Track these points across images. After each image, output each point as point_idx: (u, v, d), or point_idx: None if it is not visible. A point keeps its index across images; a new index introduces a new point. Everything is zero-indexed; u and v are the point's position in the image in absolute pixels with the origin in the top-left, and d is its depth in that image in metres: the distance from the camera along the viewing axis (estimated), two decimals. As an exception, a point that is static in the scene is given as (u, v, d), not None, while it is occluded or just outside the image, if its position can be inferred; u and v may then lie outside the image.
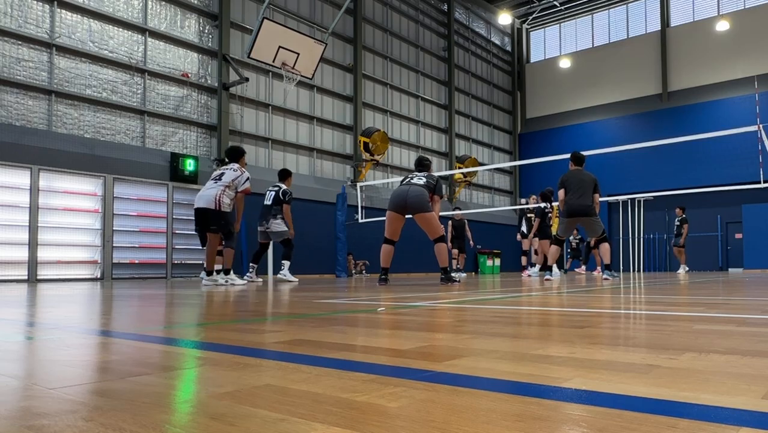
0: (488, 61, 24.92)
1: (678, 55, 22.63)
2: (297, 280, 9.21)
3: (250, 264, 9.07)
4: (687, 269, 14.93)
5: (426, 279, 10.10)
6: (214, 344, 1.62)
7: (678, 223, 14.89)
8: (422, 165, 6.95)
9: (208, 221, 6.84)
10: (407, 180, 6.61)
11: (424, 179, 6.60)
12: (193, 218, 7.14)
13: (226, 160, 7.41)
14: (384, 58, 19.25)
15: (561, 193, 8.19)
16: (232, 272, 7.35)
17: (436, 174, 9.07)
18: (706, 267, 21.00)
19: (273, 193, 8.94)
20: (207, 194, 6.80)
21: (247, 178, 7.01)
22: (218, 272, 7.33)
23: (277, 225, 8.80)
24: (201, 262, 13.26)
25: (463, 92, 23.14)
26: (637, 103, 23.30)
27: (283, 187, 8.90)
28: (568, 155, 11.76)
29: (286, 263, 9.04)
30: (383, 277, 6.80)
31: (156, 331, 2.08)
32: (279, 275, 9.13)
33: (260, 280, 9.08)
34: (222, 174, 6.92)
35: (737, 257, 20.54)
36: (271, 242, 9.39)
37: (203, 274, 7.50)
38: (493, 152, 24.78)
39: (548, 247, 11.76)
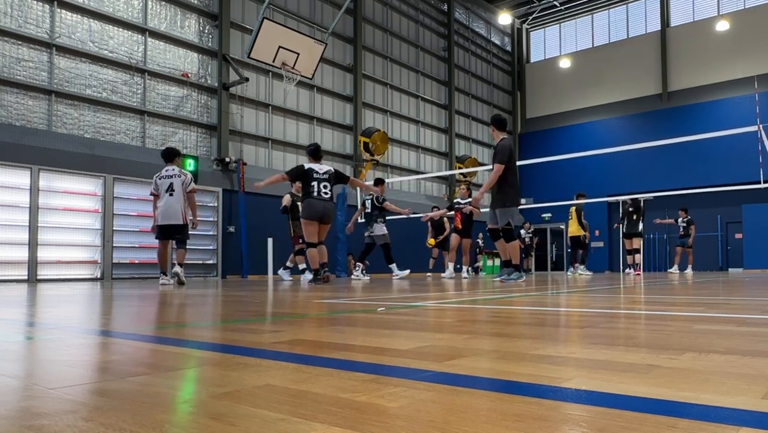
0: (488, 61, 24.92)
1: (678, 55, 22.63)
2: (407, 272, 10.43)
3: (357, 263, 10.19)
4: (679, 270, 14.85)
5: (423, 279, 10.10)
6: (214, 344, 1.63)
7: (684, 224, 14.92)
8: (320, 153, 7.51)
9: (173, 233, 7.39)
10: (319, 195, 7.13)
11: (331, 188, 7.26)
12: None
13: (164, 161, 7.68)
14: (384, 58, 19.25)
15: (500, 168, 6.89)
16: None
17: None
18: (706, 267, 21.01)
19: (370, 200, 10.28)
20: (174, 210, 7.25)
21: (192, 179, 7.47)
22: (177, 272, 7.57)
23: (379, 228, 10.07)
24: (200, 262, 13.28)
25: (463, 92, 23.14)
26: (637, 103, 23.30)
27: (376, 193, 10.19)
28: (568, 155, 11.74)
29: (393, 266, 10.33)
30: (327, 271, 7.28)
31: (156, 331, 2.08)
32: (394, 276, 10.32)
33: (368, 277, 10.15)
34: (171, 185, 7.27)
35: (737, 257, 20.54)
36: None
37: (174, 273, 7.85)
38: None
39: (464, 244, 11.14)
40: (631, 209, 13.18)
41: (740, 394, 0.90)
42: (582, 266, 13.54)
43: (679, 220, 15.11)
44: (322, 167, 7.30)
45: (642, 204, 13.15)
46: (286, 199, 9.28)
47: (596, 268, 20.73)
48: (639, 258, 12.87)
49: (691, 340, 1.56)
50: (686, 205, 15.56)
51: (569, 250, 14.44)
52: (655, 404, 0.85)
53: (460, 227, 10.74)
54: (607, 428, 0.72)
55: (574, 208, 13.60)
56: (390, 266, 10.23)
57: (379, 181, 10.26)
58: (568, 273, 12.89)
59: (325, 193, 7.15)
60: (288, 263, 9.73)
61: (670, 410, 0.81)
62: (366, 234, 10.24)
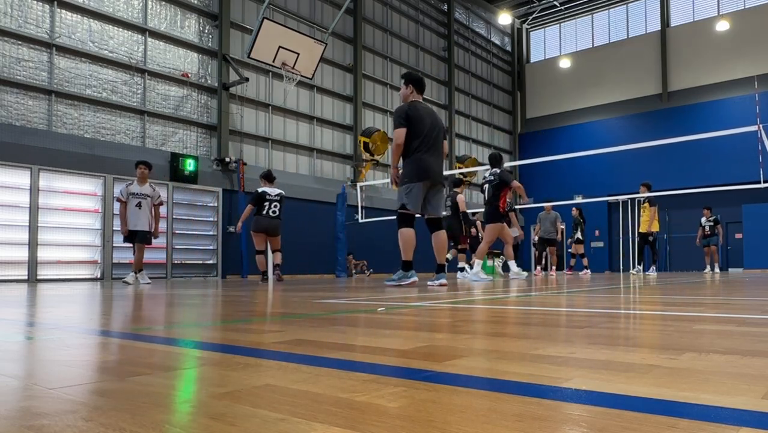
0: (488, 61, 24.92)
1: (678, 55, 22.64)
2: (525, 274, 11.05)
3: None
4: (711, 270, 15.01)
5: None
6: (214, 344, 1.63)
7: (711, 224, 14.97)
8: (272, 177, 8.89)
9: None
10: (267, 214, 8.57)
11: (280, 208, 8.62)
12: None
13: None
14: (384, 58, 19.25)
15: (401, 133, 5.52)
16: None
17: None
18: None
19: None
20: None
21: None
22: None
23: (513, 231, 11.15)
24: (200, 262, 13.28)
25: (463, 92, 23.14)
26: (637, 103, 23.30)
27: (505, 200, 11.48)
28: (568, 155, 11.72)
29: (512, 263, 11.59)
30: (266, 277, 8.83)
31: (156, 331, 2.08)
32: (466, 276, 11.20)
33: (525, 274, 10.98)
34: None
35: (737, 257, 20.54)
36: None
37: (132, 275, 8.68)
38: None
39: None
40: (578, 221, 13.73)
41: (740, 394, 0.90)
42: (639, 267, 12.99)
43: (703, 219, 15.17)
44: (274, 190, 8.73)
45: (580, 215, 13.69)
46: (462, 201, 10.32)
47: (596, 268, 20.73)
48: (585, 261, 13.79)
49: (691, 340, 1.56)
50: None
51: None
52: (655, 404, 0.85)
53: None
54: (607, 428, 0.72)
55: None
56: (510, 263, 11.13)
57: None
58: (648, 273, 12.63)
59: (273, 212, 8.60)
60: (460, 264, 10.44)
61: (670, 410, 0.80)
62: None
